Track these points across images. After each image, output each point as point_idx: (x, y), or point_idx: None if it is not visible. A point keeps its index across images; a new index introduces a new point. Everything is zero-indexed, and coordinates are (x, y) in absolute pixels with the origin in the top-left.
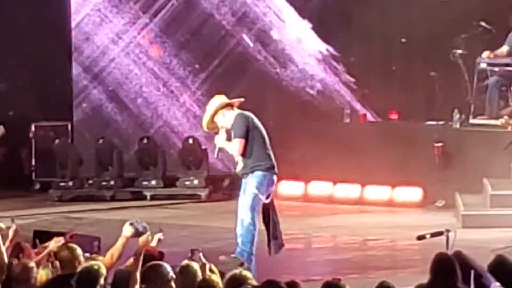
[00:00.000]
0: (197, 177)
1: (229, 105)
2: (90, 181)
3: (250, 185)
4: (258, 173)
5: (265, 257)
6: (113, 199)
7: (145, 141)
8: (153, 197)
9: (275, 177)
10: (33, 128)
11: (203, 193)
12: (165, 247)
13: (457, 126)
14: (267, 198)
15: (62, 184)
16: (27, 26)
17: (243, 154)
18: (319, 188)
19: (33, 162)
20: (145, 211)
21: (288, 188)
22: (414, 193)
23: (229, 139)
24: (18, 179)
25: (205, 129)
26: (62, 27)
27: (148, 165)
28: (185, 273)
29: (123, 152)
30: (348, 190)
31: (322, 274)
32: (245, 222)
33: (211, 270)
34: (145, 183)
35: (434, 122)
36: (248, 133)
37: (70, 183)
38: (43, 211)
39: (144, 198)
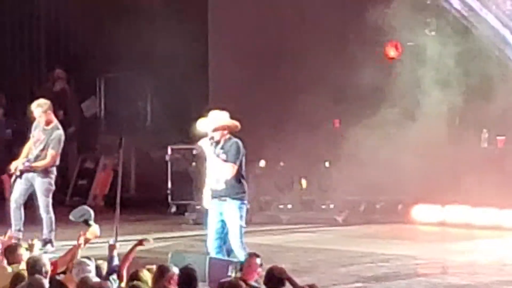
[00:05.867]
0: (333, 201)
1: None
2: None
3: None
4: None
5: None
6: (248, 222)
7: (281, 164)
8: (289, 221)
9: None
10: (169, 151)
11: (339, 217)
12: (301, 270)
13: None
14: None
15: (198, 207)
16: (164, 48)
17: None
18: (456, 212)
19: (169, 185)
20: (281, 235)
21: (424, 212)
22: None
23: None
24: (155, 202)
25: (198, 128)
26: (199, 48)
27: (284, 189)
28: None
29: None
30: (486, 214)
31: None
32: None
33: None
34: (281, 206)
35: None
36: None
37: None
38: (179, 234)
39: (279, 222)
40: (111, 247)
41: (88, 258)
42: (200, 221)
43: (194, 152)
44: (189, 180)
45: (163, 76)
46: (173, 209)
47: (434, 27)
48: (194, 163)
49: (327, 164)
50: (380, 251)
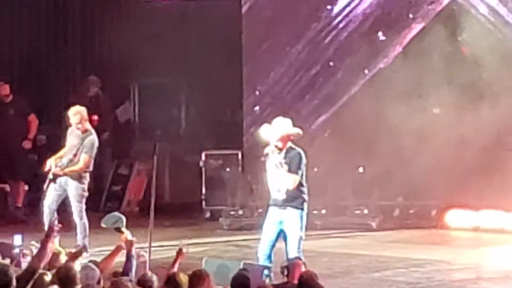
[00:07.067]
0: (366, 206)
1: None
2: (260, 210)
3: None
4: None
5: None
6: None
7: (315, 169)
8: (322, 226)
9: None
10: (203, 157)
11: (373, 223)
12: (335, 275)
13: None
14: None
15: (232, 212)
16: (198, 54)
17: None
18: (491, 217)
19: (203, 191)
20: (315, 240)
21: (458, 217)
22: None
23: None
24: (189, 208)
25: (261, 136)
26: (233, 54)
27: (316, 194)
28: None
29: None
30: None
31: None
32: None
33: None
34: (314, 212)
35: None
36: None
37: (240, 212)
38: (213, 239)
39: (313, 227)
40: (130, 243)
41: (95, 262)
42: (234, 227)
43: (262, 159)
44: (223, 186)
45: (197, 82)
46: (207, 214)
47: None
48: (228, 169)
49: (361, 169)
50: (413, 256)
